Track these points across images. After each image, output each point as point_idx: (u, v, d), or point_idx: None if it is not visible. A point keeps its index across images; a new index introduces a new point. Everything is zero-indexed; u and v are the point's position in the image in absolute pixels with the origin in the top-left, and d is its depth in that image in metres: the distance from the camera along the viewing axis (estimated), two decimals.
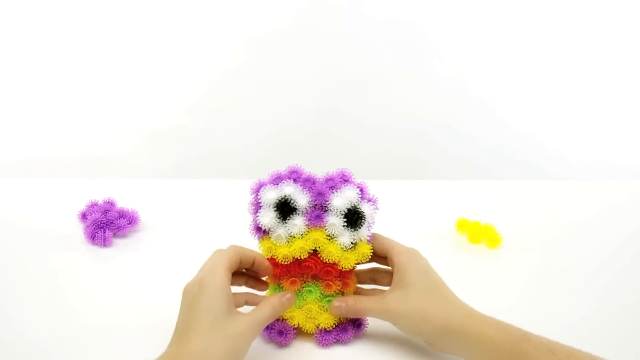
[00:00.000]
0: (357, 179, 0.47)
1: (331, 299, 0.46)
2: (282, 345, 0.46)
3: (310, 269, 0.45)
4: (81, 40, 1.49)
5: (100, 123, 1.58)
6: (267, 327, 0.45)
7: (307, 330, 0.46)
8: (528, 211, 0.80)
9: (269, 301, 0.43)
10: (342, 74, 1.53)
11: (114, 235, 0.67)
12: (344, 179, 0.46)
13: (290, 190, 0.44)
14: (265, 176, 0.47)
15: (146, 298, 0.47)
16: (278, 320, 0.46)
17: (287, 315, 0.46)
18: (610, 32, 1.49)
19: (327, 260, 0.44)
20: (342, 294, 0.47)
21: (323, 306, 0.46)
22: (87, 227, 0.65)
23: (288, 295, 0.44)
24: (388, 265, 0.48)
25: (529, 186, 0.93)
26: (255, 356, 0.44)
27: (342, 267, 0.44)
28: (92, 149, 1.60)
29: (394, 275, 0.46)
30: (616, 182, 0.94)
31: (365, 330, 0.47)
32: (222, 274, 0.41)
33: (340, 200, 0.44)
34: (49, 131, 1.59)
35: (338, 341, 0.46)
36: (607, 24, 1.47)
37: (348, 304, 0.45)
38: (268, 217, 0.44)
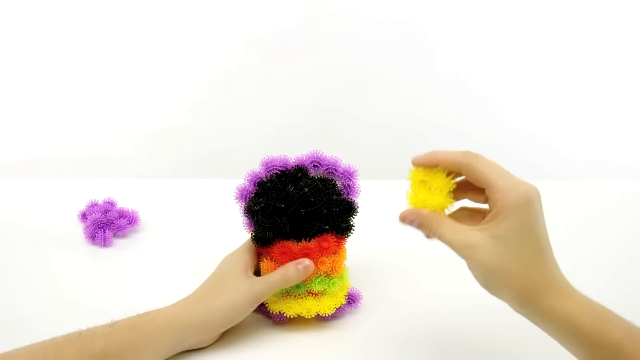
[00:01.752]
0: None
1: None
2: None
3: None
4: (81, 40, 1.49)
5: (100, 123, 1.58)
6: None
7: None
8: None
9: (283, 267, 0.46)
10: (342, 74, 1.53)
11: (114, 235, 0.67)
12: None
13: None
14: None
15: (146, 298, 0.47)
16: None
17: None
18: (611, 30, 1.49)
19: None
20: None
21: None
22: (87, 227, 0.65)
23: (306, 262, 0.46)
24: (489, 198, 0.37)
25: None
26: (256, 340, 0.44)
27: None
28: (92, 149, 1.60)
29: (490, 211, 0.36)
30: (618, 182, 0.94)
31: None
32: (240, 250, 0.49)
33: None
34: (49, 131, 1.59)
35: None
36: (608, 23, 1.47)
37: (422, 217, 0.39)
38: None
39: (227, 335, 0.46)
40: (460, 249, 0.36)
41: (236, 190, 0.49)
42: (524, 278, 0.34)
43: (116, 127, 1.58)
